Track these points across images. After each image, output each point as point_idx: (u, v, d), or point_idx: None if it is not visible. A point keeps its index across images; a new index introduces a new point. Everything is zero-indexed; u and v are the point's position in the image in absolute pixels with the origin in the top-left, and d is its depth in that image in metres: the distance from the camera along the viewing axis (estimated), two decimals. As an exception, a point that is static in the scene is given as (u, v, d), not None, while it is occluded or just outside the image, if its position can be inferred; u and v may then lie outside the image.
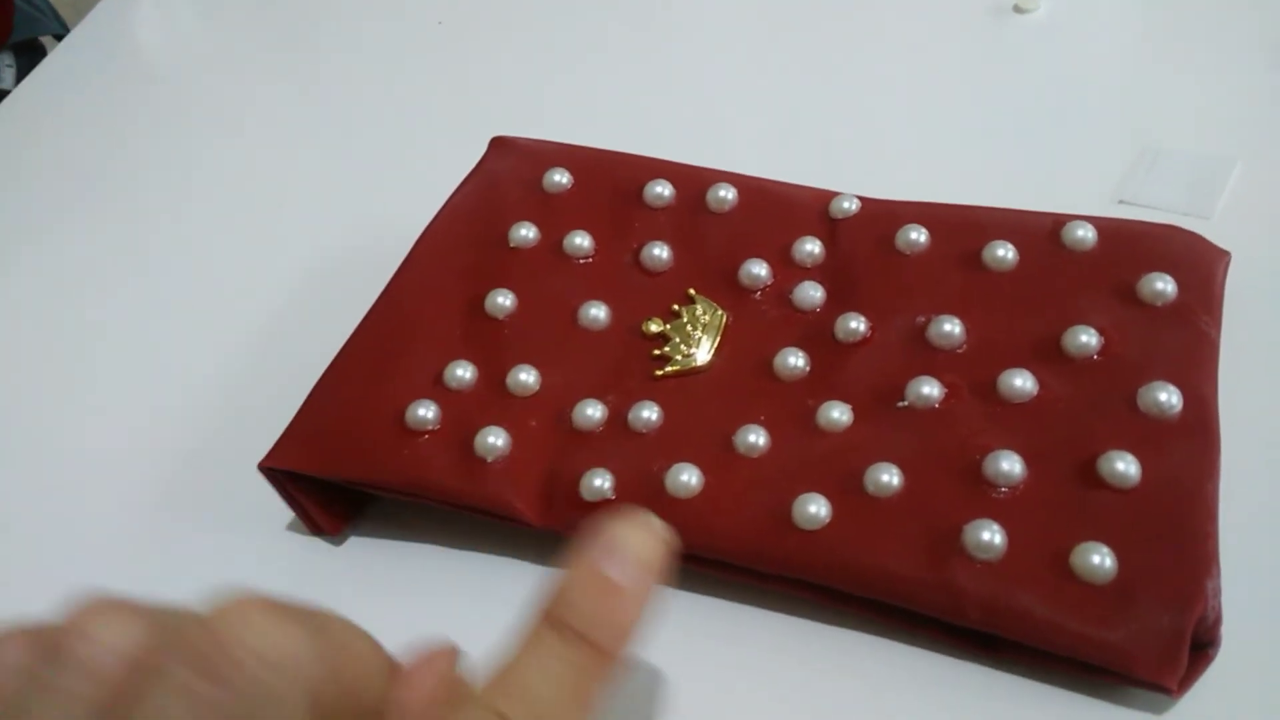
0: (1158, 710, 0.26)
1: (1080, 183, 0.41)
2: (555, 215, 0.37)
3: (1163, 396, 0.28)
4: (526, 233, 0.36)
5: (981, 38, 0.48)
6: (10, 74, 0.83)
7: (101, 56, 0.62)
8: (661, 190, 0.36)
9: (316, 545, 0.35)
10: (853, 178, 0.37)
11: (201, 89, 0.58)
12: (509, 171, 0.39)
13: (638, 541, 0.25)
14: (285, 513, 0.34)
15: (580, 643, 0.23)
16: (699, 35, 0.54)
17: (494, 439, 0.31)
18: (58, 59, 0.63)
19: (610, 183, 0.37)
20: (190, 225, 0.49)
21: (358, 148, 0.51)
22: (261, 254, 0.46)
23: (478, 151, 0.40)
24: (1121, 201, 0.40)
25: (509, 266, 0.36)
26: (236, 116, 0.55)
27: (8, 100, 0.60)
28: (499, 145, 0.40)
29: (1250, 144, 0.40)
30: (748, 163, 0.38)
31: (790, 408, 0.31)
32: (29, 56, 0.85)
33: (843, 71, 0.48)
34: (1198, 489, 0.27)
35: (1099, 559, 0.26)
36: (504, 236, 0.36)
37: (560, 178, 0.37)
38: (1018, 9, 0.47)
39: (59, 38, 0.87)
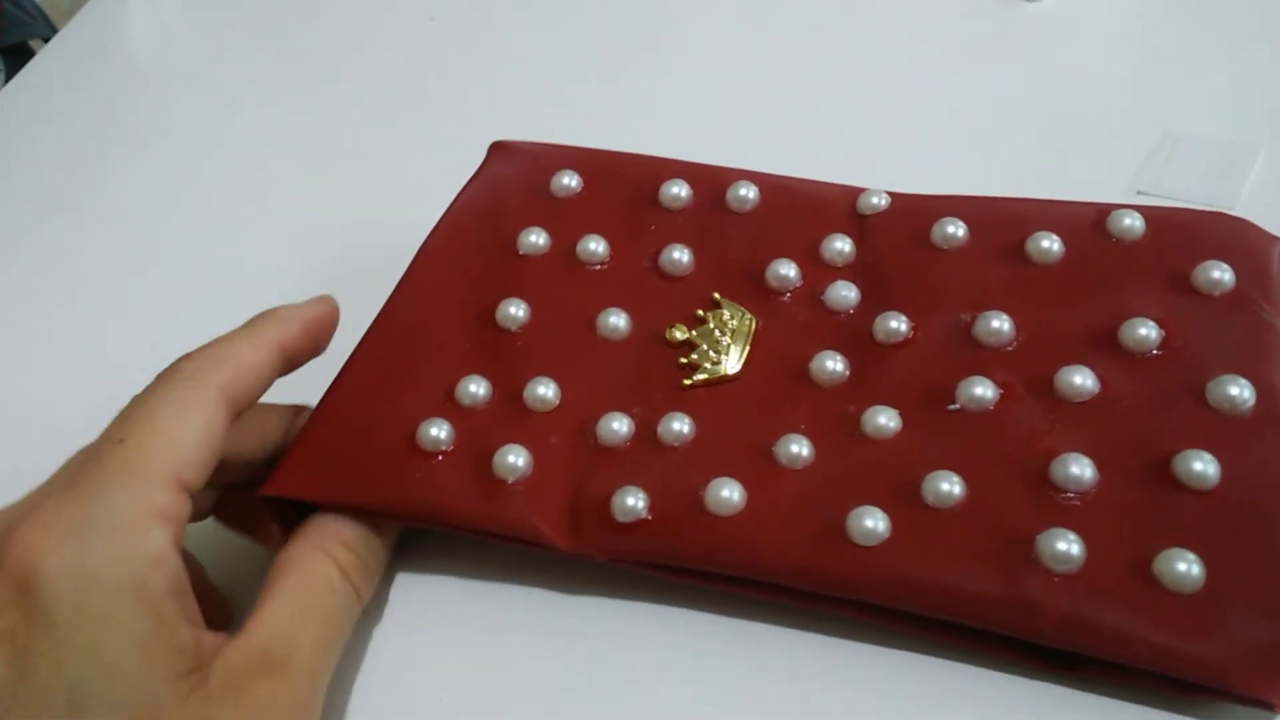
0: (1255, 727, 0.24)
1: (1097, 174, 0.40)
2: (566, 220, 0.35)
3: (1234, 390, 0.26)
4: (536, 239, 0.34)
5: (991, 28, 0.46)
6: (0, 78, 0.80)
7: (90, 57, 0.59)
8: (678, 191, 0.34)
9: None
10: (863, 173, 0.35)
11: (192, 90, 0.56)
12: (513, 176, 0.36)
13: None
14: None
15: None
16: (701, 32, 0.52)
17: (514, 458, 0.29)
18: (45, 60, 0.60)
19: (623, 185, 0.35)
20: (178, 231, 0.46)
21: (351, 152, 0.49)
22: (252, 264, 0.43)
23: (475, 156, 0.38)
24: (1140, 192, 0.39)
25: (519, 274, 0.34)
26: (226, 119, 0.53)
27: None
28: (500, 150, 0.38)
29: (1274, 131, 0.39)
30: (758, 162, 0.36)
31: (832, 415, 0.29)
32: (19, 61, 0.82)
33: (848, 66, 0.47)
34: (1281, 487, 0.25)
35: (1185, 566, 0.24)
36: (512, 243, 0.34)
37: (569, 181, 0.35)
38: None
39: (48, 41, 0.85)
